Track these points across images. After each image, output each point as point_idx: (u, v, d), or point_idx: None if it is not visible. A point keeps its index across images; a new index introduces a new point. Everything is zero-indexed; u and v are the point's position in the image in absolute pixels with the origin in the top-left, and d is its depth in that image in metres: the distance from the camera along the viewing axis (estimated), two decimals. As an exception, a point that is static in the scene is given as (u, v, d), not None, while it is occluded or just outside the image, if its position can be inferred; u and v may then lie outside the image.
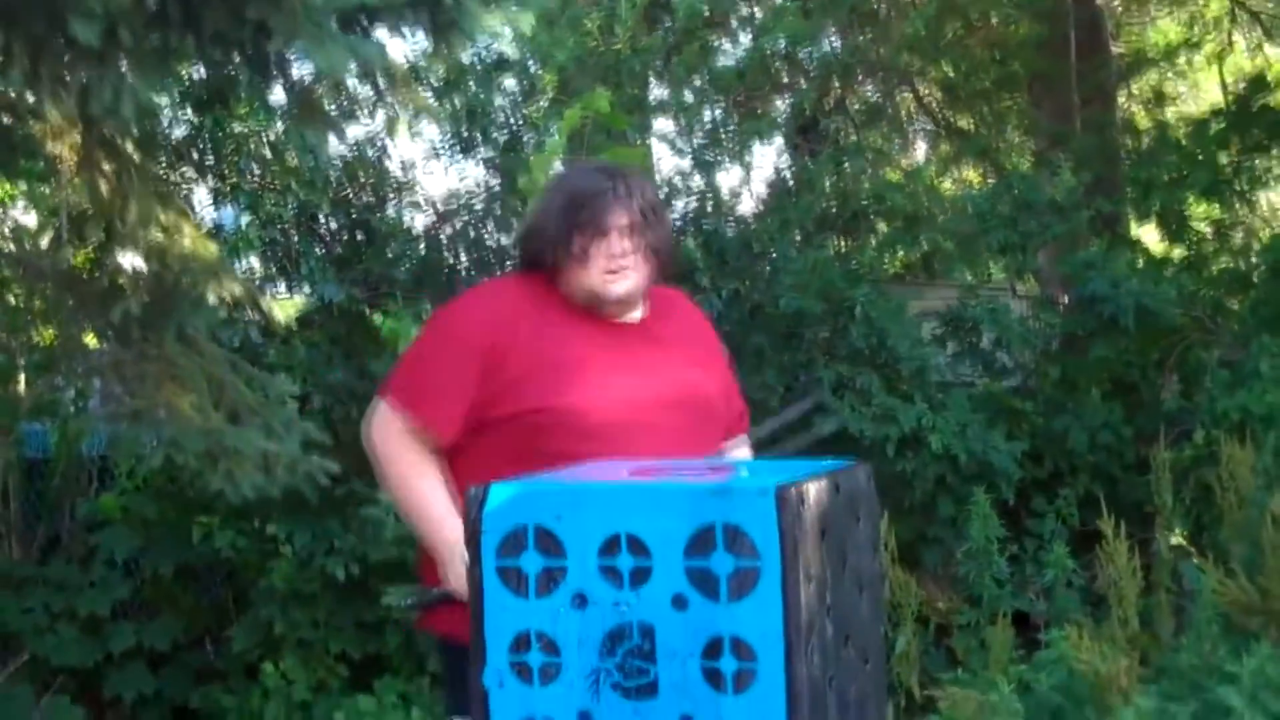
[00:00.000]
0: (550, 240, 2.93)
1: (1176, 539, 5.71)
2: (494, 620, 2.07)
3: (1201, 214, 9.02)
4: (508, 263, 7.26)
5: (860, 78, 9.64)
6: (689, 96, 8.66)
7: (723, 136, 8.36)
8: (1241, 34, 11.65)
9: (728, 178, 8.44)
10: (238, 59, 3.89)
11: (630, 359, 2.94)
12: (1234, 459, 5.28)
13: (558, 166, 6.12)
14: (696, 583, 1.96)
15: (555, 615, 2.03)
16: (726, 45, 9.62)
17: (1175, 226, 8.74)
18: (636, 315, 3.02)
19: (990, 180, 9.83)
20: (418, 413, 2.89)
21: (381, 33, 4.68)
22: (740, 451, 3.18)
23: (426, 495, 2.89)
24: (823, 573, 2.02)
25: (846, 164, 8.30)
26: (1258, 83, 9.36)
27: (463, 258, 7.51)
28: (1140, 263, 8.11)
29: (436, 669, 5.89)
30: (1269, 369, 6.46)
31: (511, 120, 7.72)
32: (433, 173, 7.62)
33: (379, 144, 7.34)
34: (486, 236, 7.47)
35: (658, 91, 8.94)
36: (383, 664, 6.11)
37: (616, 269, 2.92)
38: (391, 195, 7.47)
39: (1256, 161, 8.97)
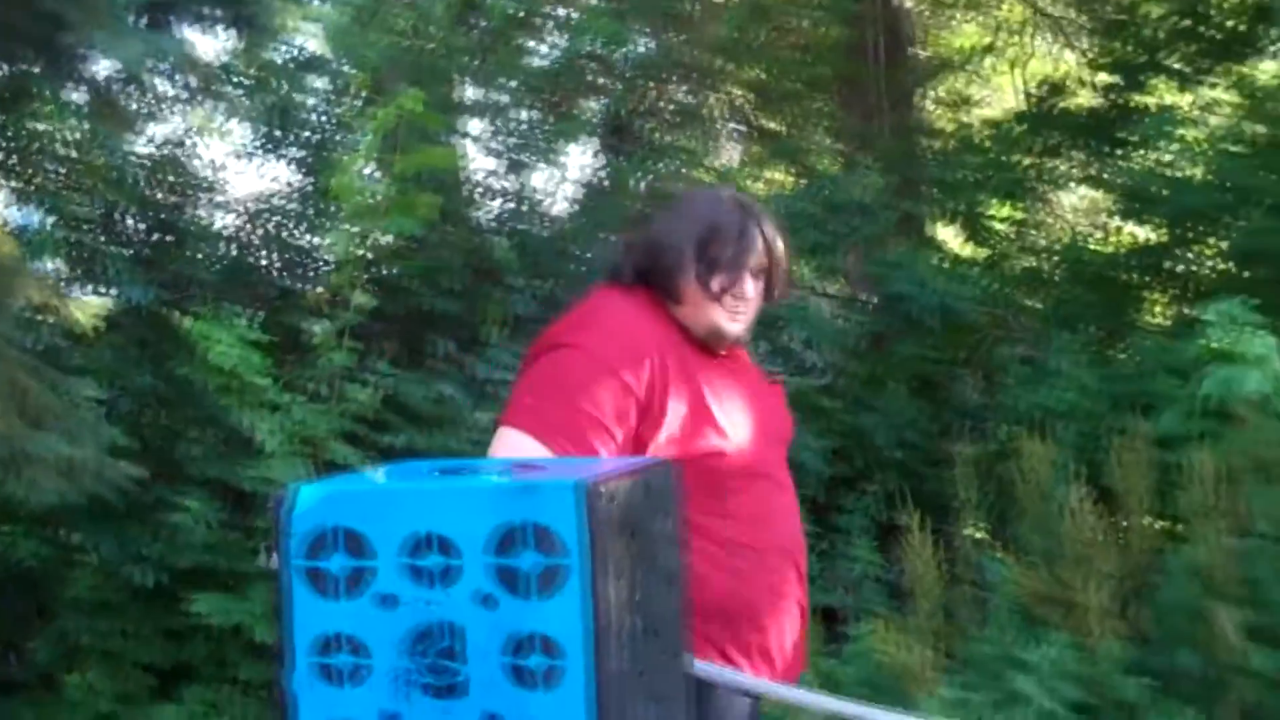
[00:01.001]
0: (681, 270, 2.84)
1: (978, 533, 5.86)
2: (301, 623, 2.05)
3: (1002, 215, 9.24)
4: (319, 263, 7.19)
5: (673, 79, 9.69)
6: (502, 97, 8.65)
7: (535, 137, 8.36)
8: (1042, 38, 11.96)
9: (541, 179, 8.43)
10: (34, 55, 3.82)
11: (747, 394, 2.92)
12: (1033, 454, 5.44)
13: (367, 168, 6.10)
14: (504, 581, 1.97)
15: (362, 616, 2.02)
16: (541, 46, 9.62)
17: (977, 227, 8.95)
18: None
19: (800, 181, 9.96)
20: (577, 454, 2.63)
21: (187, 31, 4.63)
22: None
23: None
24: (631, 569, 2.04)
25: (661, 165, 8.36)
26: (1055, 87, 9.62)
27: (274, 258, 7.42)
28: (944, 263, 8.29)
29: (248, 677, 5.82)
30: (1067, 366, 6.65)
31: (322, 120, 7.65)
32: (242, 173, 7.50)
33: (187, 144, 7.22)
34: (296, 237, 7.39)
35: (471, 92, 8.91)
36: (190, 673, 6.02)
37: (741, 310, 2.88)
38: (199, 195, 7.36)
39: (1054, 164, 9.22)
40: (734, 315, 2.86)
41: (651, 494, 2.15)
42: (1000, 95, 12.30)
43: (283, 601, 2.06)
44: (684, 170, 8.85)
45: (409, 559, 2.00)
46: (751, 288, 2.89)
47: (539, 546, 1.95)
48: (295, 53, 7.60)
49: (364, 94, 7.62)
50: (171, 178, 7.18)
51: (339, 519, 2.03)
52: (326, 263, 6.83)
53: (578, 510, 1.95)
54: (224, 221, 7.47)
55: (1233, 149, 7.41)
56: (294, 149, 7.47)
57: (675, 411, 2.72)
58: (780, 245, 2.93)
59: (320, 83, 7.88)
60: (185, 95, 6.89)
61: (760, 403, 2.94)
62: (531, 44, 9.31)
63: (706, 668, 2.63)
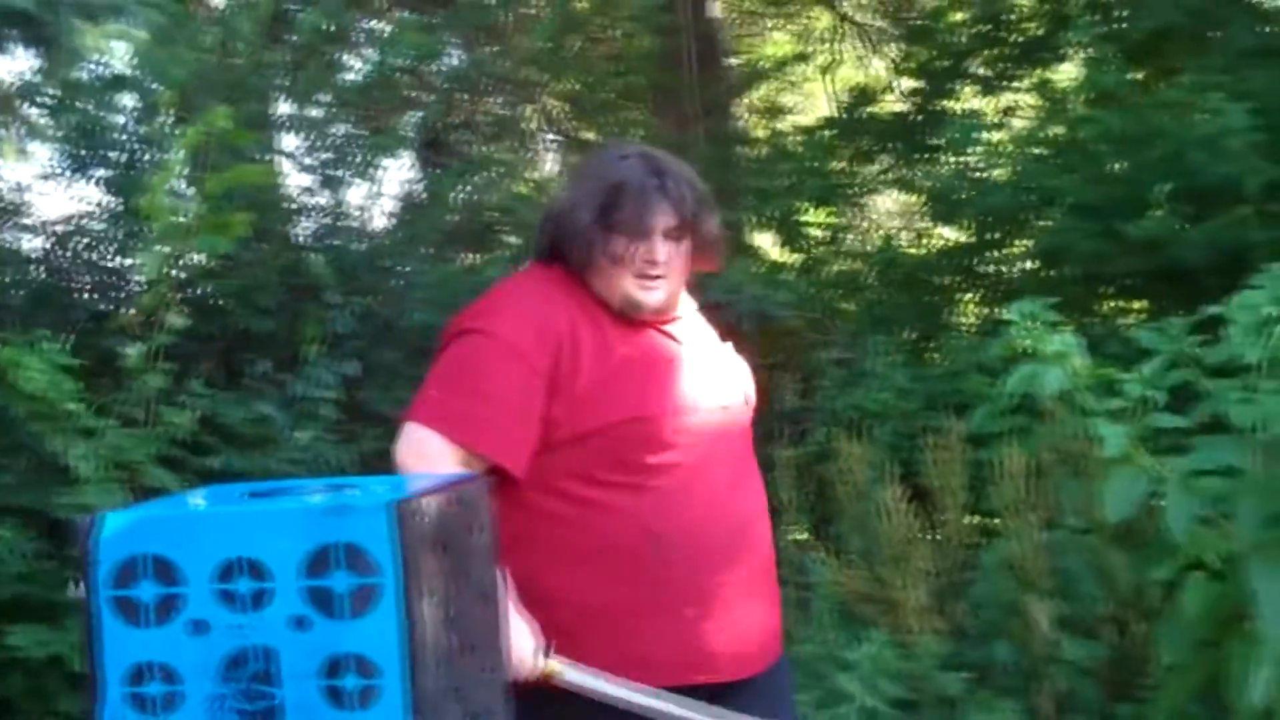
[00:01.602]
0: (583, 238, 2.69)
1: (800, 534, 5.94)
2: (112, 653, 2.03)
3: (817, 220, 9.39)
4: (131, 284, 7.06)
5: (488, 91, 9.69)
6: (315, 112, 8.57)
7: (350, 152, 8.30)
8: (850, 45, 12.19)
9: (358, 194, 8.36)
10: None
11: (687, 361, 2.77)
12: (850, 455, 5.53)
13: (179, 187, 6.01)
14: (317, 602, 1.97)
15: (174, 643, 2.00)
16: (353, 60, 9.55)
17: (792, 233, 9.09)
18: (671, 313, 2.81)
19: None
20: (483, 446, 2.60)
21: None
22: None
23: None
24: (444, 585, 2.05)
25: (478, 177, 8.35)
26: (864, 93, 9.82)
27: (84, 281, 7.27)
28: (760, 269, 8.40)
29: (68, 709, 5.69)
30: (882, 367, 6.78)
31: (130, 139, 7.50)
32: (48, 195, 7.33)
33: (-11, 167, 7.06)
34: (107, 259, 7.24)
35: (285, 108, 8.82)
36: (9, 707, 5.87)
37: (653, 276, 2.70)
38: (4, 219, 7.18)
39: (866, 168, 9.40)
40: (646, 284, 2.71)
41: (464, 509, 2.17)
42: (812, 102, 12.50)
43: (92, 631, 2.04)
44: (503, 182, 8.85)
45: (220, 584, 1.99)
46: (663, 251, 2.71)
47: (351, 566, 1.96)
48: (100, 71, 7.44)
49: (173, 112, 7.49)
50: (-27, 201, 7.01)
51: (147, 546, 2.01)
52: (138, 284, 6.70)
53: (389, 529, 1.95)
54: (31, 245, 7.29)
55: (1034, 151, 7.61)
56: (102, 169, 7.31)
57: (585, 385, 2.63)
58: (693, 201, 2.75)
59: (128, 101, 7.73)
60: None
61: (705, 370, 2.80)
62: (345, 58, 9.24)
63: (580, 677, 2.54)
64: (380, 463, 6.17)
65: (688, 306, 2.93)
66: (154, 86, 7.44)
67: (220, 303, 6.65)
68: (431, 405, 2.64)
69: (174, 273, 5.81)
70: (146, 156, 7.21)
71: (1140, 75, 7.41)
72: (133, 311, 5.97)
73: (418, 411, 2.64)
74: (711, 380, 2.80)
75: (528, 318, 2.69)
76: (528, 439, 2.62)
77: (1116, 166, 6.91)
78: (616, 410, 2.64)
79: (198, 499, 2.26)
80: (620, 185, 2.69)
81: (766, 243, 9.97)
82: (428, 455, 2.58)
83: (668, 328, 2.81)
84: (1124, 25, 7.61)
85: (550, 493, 2.63)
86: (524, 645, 2.49)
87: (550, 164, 11.69)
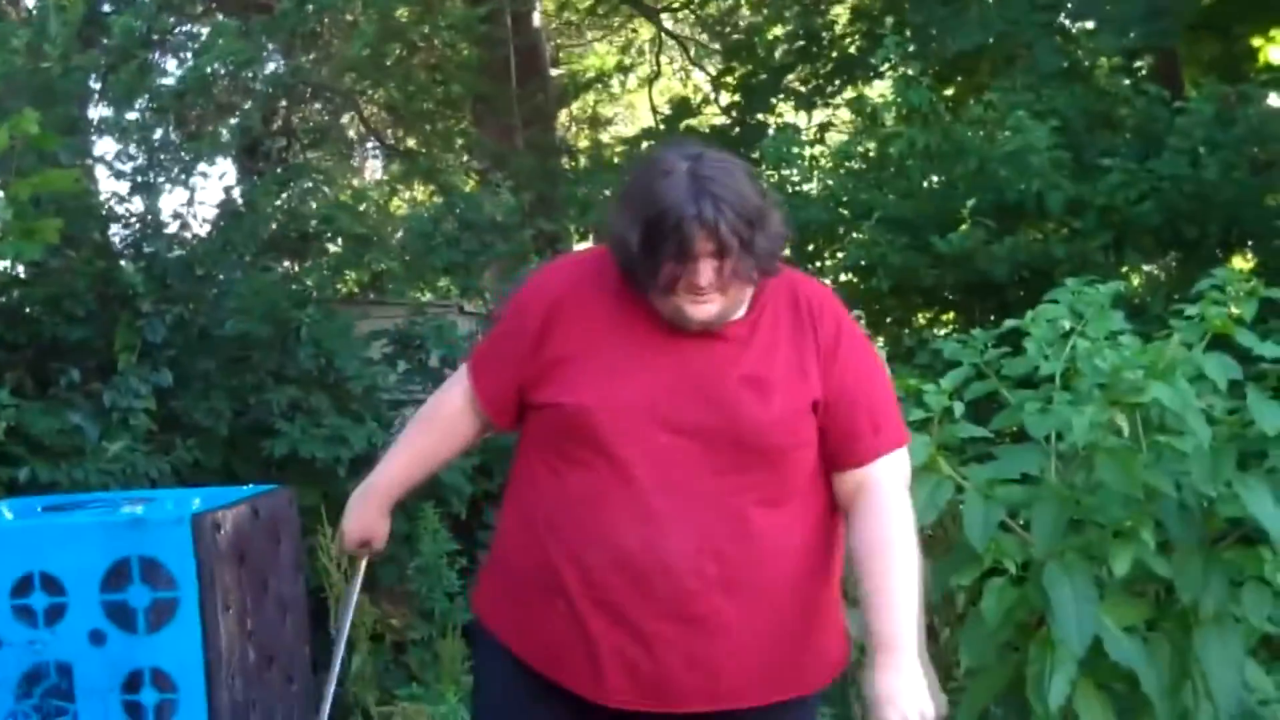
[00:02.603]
0: (629, 265, 2.63)
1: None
2: (-99, 669, 2.00)
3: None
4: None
5: (307, 98, 9.62)
6: (131, 116, 8.41)
7: (164, 159, 8.17)
8: (671, 59, 12.30)
9: (174, 200, 8.21)
10: None
11: (675, 370, 2.65)
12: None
13: None
14: (114, 617, 1.96)
15: (-34, 660, 1.98)
16: (169, 64, 9.41)
17: (614, 242, 9.15)
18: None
19: (435, 200, 10.03)
20: (474, 383, 2.84)
21: None
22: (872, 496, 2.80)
23: (397, 445, 2.94)
24: (243, 599, 2.05)
25: (295, 184, 8.26)
26: (684, 105, 9.93)
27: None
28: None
29: None
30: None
31: (-65, 143, 7.31)
32: None
33: None
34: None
35: (98, 111, 8.65)
36: None
37: (698, 297, 2.60)
38: None
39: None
40: (696, 299, 2.60)
41: (264, 521, 2.17)
42: (633, 114, 12.59)
43: (-118, 649, 2.00)
44: (325, 190, 8.79)
45: (15, 599, 1.97)
46: (706, 275, 2.58)
47: (149, 580, 1.95)
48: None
49: (-20, 115, 7.30)
50: None
51: (-61, 561, 1.98)
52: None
53: (187, 542, 1.95)
54: None
55: (849, 165, 7.74)
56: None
57: (553, 354, 2.68)
58: (737, 219, 2.56)
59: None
60: None
61: (692, 388, 2.65)
62: (161, 62, 9.10)
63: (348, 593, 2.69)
64: (194, 473, 6.11)
65: (767, 317, 2.77)
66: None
67: (29, 310, 6.50)
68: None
69: (-21, 280, 5.69)
70: (-47, 161, 7.04)
71: (951, 93, 7.60)
72: (-63, 320, 5.83)
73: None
74: (693, 400, 2.66)
75: (534, 283, 2.86)
76: (503, 383, 2.78)
77: (927, 182, 7.06)
78: (560, 391, 2.65)
79: (3, 511, 2.24)
80: (661, 214, 2.56)
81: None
82: (454, 381, 2.92)
83: (691, 337, 2.68)
84: (935, 45, 7.80)
85: (523, 450, 2.77)
86: (357, 529, 2.77)
87: (371, 172, 11.65)
